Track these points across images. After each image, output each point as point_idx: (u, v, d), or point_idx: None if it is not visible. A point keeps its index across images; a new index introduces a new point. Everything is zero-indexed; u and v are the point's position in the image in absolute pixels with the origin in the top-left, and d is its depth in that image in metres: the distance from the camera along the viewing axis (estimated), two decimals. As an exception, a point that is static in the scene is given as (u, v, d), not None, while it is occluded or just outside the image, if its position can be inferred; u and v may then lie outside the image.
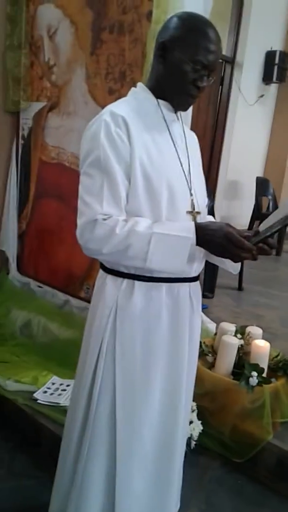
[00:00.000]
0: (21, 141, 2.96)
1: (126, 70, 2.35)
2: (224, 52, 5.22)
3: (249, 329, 2.39)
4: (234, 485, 1.98)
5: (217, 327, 2.48)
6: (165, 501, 1.42)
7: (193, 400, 2.03)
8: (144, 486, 1.37)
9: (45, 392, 2.24)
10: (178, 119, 1.35)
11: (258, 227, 1.23)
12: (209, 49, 1.20)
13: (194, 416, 2.04)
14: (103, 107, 1.27)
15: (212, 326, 2.76)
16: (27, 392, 2.24)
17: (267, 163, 6.38)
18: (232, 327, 2.38)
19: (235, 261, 1.21)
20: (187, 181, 1.30)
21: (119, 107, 1.25)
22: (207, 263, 1.46)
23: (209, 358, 2.30)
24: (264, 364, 2.18)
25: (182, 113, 1.39)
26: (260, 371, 2.09)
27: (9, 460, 2.01)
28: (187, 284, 1.34)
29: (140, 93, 1.32)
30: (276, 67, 5.82)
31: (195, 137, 1.48)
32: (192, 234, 1.18)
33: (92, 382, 1.33)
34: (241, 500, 1.90)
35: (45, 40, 2.70)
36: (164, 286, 1.29)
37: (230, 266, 1.42)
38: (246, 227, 4.83)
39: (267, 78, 5.89)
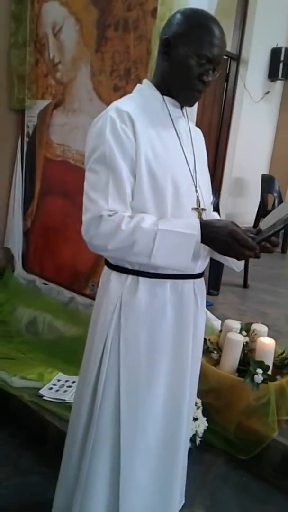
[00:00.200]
0: (26, 139, 2.97)
1: (131, 67, 2.35)
2: (229, 49, 5.20)
3: (254, 326, 2.38)
4: (239, 482, 1.98)
5: (222, 324, 2.48)
6: (169, 497, 1.43)
7: (198, 397, 2.05)
8: (148, 481, 1.37)
9: (51, 388, 2.25)
10: (183, 115, 1.35)
11: (261, 225, 1.23)
12: (213, 43, 1.20)
13: (199, 412, 2.04)
14: (108, 104, 1.28)
15: (217, 323, 2.76)
16: (33, 389, 2.25)
17: (272, 160, 6.36)
18: (237, 324, 2.38)
19: (239, 259, 1.21)
20: (192, 177, 1.30)
21: (124, 103, 1.25)
22: (212, 260, 1.46)
23: (214, 355, 2.30)
24: (269, 362, 2.18)
25: (187, 109, 1.38)
26: (265, 368, 2.09)
27: (16, 457, 2.02)
28: (191, 280, 1.34)
29: (145, 90, 1.31)
30: (281, 64, 5.79)
31: (201, 133, 1.47)
32: (197, 232, 1.18)
33: (96, 378, 1.33)
34: (246, 497, 1.90)
35: (50, 38, 2.71)
36: (168, 282, 1.29)
37: (233, 264, 1.42)
38: (252, 225, 4.82)
39: (272, 75, 5.87)
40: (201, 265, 1.35)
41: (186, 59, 1.21)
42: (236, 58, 5.30)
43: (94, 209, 1.18)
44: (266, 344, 2.22)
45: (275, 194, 5.39)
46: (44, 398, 2.19)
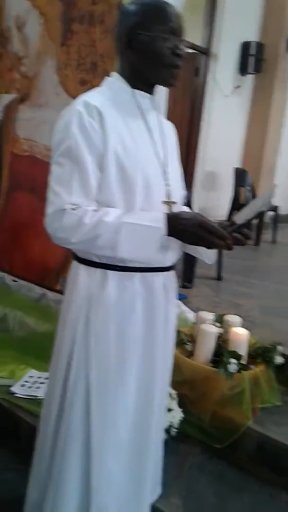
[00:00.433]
0: (-9, 135, 2.92)
1: (98, 61, 2.33)
2: (199, 43, 5.22)
3: (228, 317, 2.40)
4: (214, 470, 1.99)
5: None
6: (141, 488, 1.43)
7: (174, 389, 2.06)
8: (120, 474, 1.38)
9: (23, 385, 2.24)
10: (154, 108, 1.35)
11: (234, 217, 1.24)
12: (171, 15, 1.23)
13: (174, 404, 2.05)
14: (75, 98, 1.27)
15: (191, 315, 2.78)
16: (4, 386, 2.23)
17: (244, 154, 6.41)
18: (210, 316, 2.40)
19: (210, 248, 1.22)
20: (162, 170, 1.30)
21: (93, 96, 1.24)
22: (186, 254, 1.47)
23: (188, 347, 2.31)
24: (243, 352, 2.20)
25: (157, 103, 1.38)
26: (238, 358, 2.11)
27: (-11, 455, 2.01)
28: (161, 273, 1.34)
29: (114, 83, 1.31)
30: (251, 58, 5.84)
31: (172, 127, 1.48)
32: (162, 225, 1.18)
33: (66, 373, 1.33)
34: (222, 485, 1.92)
35: (14, 32, 2.67)
36: (137, 275, 1.30)
37: (205, 256, 1.43)
38: (225, 218, 4.86)
39: (243, 69, 5.91)
40: (171, 258, 1.35)
41: (153, 42, 1.21)
42: (206, 52, 5.32)
43: (57, 202, 1.18)
44: (240, 334, 2.25)
45: (248, 187, 5.43)
46: (16, 395, 2.17)
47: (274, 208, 5.54)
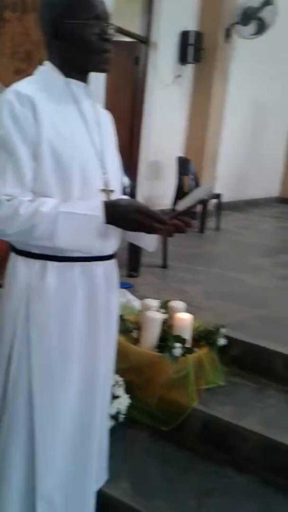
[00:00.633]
0: None
1: (33, 50, 2.30)
2: (138, 32, 5.21)
3: (172, 303, 2.46)
4: (162, 453, 2.04)
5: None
6: (86, 475, 1.45)
7: (121, 376, 2.08)
8: (64, 464, 1.39)
9: None
10: (88, 96, 1.34)
11: (175, 205, 1.27)
12: (95, 1, 1.23)
13: (121, 390, 2.08)
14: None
15: (137, 304, 2.81)
16: None
17: (187, 143, 6.49)
18: (155, 303, 2.45)
19: (150, 233, 1.24)
20: (99, 159, 1.30)
21: (24, 86, 1.23)
22: (131, 243, 1.48)
23: (134, 334, 2.35)
24: (188, 336, 2.26)
25: (92, 91, 1.38)
26: (182, 342, 2.17)
27: None
28: (101, 262, 1.35)
29: (47, 72, 1.30)
30: (191, 48, 5.89)
31: (108, 115, 1.48)
32: (100, 212, 1.19)
33: (7, 366, 1.33)
34: (170, 467, 1.97)
35: None
36: (77, 265, 1.30)
37: (146, 244, 1.45)
38: (169, 207, 4.92)
39: (183, 59, 5.95)
40: (111, 247, 1.36)
41: (80, 29, 1.21)
42: (145, 41, 5.33)
43: (-9, 194, 1.16)
44: (183, 319, 2.30)
45: (191, 176, 5.52)
46: None
47: (217, 196, 5.67)
